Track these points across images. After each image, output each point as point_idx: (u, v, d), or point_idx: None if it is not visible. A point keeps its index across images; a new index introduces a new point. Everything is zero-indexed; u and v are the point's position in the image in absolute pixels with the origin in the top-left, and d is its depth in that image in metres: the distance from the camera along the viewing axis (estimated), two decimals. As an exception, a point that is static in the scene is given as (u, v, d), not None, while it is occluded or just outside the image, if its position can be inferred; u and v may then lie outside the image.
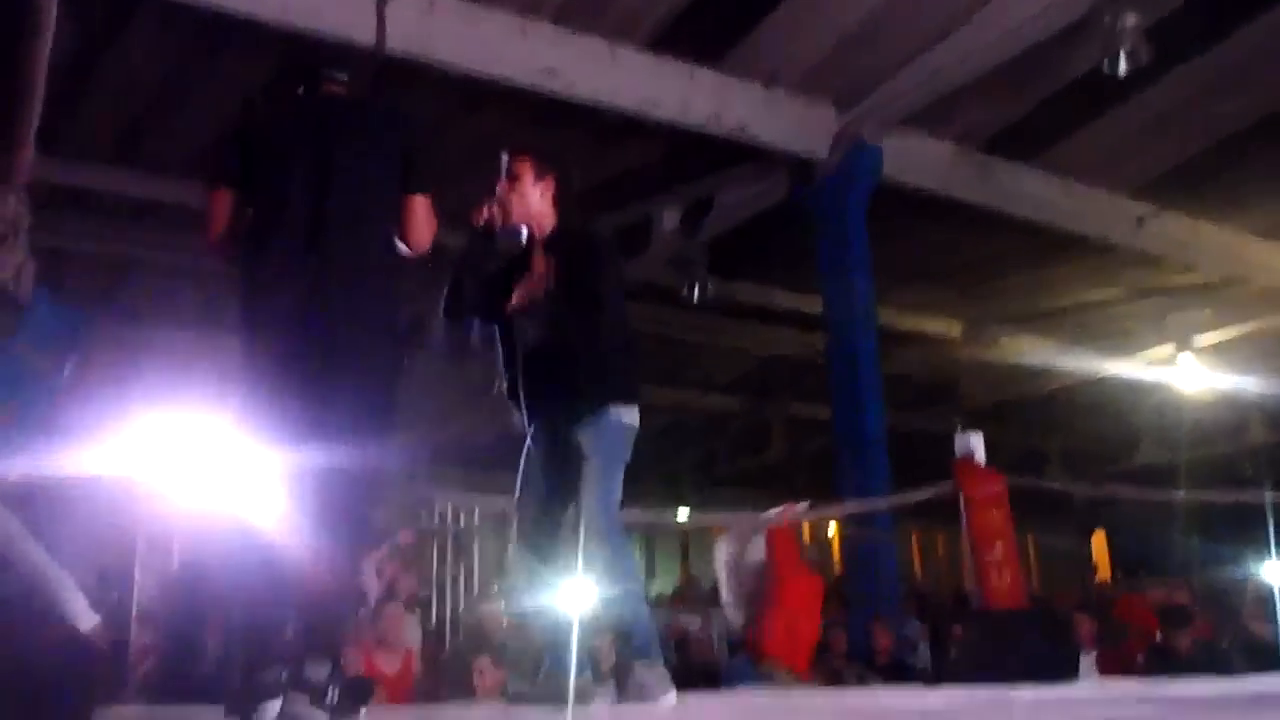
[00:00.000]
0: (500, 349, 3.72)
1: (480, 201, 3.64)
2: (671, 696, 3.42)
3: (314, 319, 2.99)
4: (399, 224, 3.19)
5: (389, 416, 3.12)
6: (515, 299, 3.61)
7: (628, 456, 3.59)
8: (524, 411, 3.67)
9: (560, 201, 3.69)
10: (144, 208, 9.46)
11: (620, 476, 3.56)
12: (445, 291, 3.71)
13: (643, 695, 3.37)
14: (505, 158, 3.70)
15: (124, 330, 10.31)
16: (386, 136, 3.22)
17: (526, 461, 3.70)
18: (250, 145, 3.20)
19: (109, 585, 5.61)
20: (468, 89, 7.55)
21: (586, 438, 3.51)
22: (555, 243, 3.66)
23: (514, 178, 3.66)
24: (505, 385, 3.71)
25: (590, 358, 3.54)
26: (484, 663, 5.73)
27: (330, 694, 2.80)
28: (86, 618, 3.77)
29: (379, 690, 5.11)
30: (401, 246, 3.20)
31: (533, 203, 3.65)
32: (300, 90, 3.31)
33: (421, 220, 3.19)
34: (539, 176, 3.66)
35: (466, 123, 8.10)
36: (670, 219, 9.74)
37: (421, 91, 7.89)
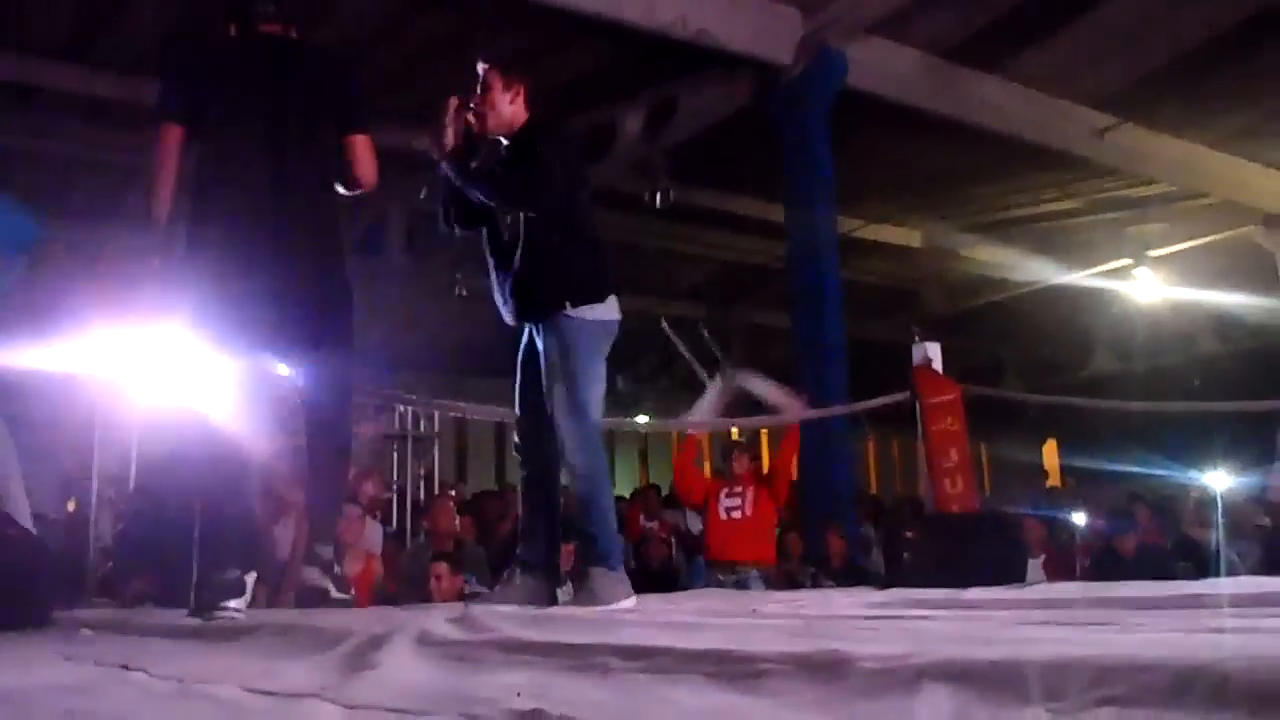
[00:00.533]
0: (487, 255, 3.76)
1: (450, 116, 3.66)
2: (630, 602, 3.46)
3: (276, 243, 3.20)
4: (343, 160, 3.39)
5: (349, 327, 3.40)
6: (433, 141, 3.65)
7: (601, 353, 3.61)
8: (507, 314, 3.72)
9: (533, 105, 3.73)
10: (96, 105, 9.22)
11: (592, 375, 3.57)
12: (440, 204, 3.79)
13: (598, 600, 3.40)
14: (481, 68, 3.72)
15: (76, 230, 10.13)
16: (325, 77, 3.44)
17: (519, 367, 3.76)
18: (196, 83, 3.33)
19: (70, 487, 5.59)
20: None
21: (551, 339, 3.55)
22: (521, 140, 3.69)
23: (485, 88, 3.69)
24: (495, 290, 3.75)
25: (547, 256, 3.56)
26: (441, 568, 5.79)
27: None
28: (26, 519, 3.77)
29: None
30: (345, 184, 3.42)
31: (504, 110, 3.68)
32: (233, 29, 3.43)
33: (365, 157, 3.42)
34: (508, 85, 3.69)
35: (425, 21, 7.93)
36: (633, 124, 9.63)
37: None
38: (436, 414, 8.13)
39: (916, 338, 6.76)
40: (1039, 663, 1.28)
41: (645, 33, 7.88)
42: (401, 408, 7.74)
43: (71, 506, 5.66)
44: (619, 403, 14.70)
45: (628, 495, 11.23)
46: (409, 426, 8.01)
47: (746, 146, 9.67)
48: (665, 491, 10.37)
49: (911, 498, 10.28)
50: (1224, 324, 15.34)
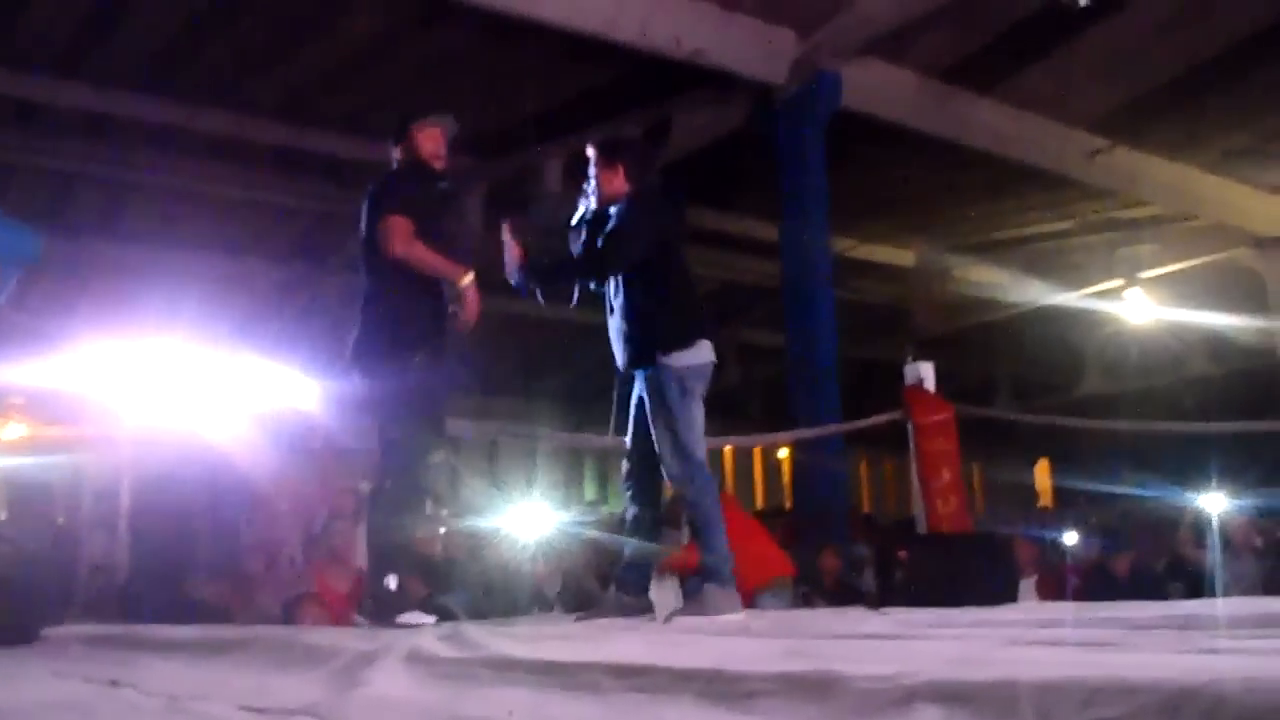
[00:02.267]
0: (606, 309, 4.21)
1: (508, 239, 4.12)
2: (739, 615, 3.79)
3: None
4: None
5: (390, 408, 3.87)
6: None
7: (695, 394, 3.94)
8: (619, 362, 4.09)
9: (634, 178, 4.11)
10: (93, 121, 9.23)
11: (691, 417, 3.92)
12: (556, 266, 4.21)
13: (707, 610, 3.72)
14: (590, 151, 4.17)
15: (72, 245, 10.15)
16: (373, 194, 4.00)
17: (618, 406, 4.16)
18: None
19: (56, 502, 5.57)
20: (424, 3, 7.41)
21: (649, 386, 3.94)
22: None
23: (593, 167, 4.15)
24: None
25: (638, 310, 3.96)
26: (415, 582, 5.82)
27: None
28: None
29: (324, 609, 5.15)
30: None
31: (606, 187, 4.08)
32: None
33: (383, 237, 3.80)
34: (609, 164, 4.10)
35: (423, 38, 7.95)
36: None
37: (376, 6, 7.75)
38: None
39: (910, 357, 6.78)
40: (1031, 683, 1.28)
41: (641, 52, 7.91)
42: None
43: (60, 521, 5.64)
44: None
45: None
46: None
47: (741, 166, 9.69)
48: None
49: (904, 517, 10.28)
50: (1215, 345, 15.37)
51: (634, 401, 4.09)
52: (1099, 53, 8.71)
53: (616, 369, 4.14)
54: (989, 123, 9.46)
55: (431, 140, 4.08)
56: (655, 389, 3.90)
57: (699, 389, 3.94)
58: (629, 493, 4.12)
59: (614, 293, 4.01)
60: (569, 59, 8.30)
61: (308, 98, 9.01)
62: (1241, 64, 8.70)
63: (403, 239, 3.76)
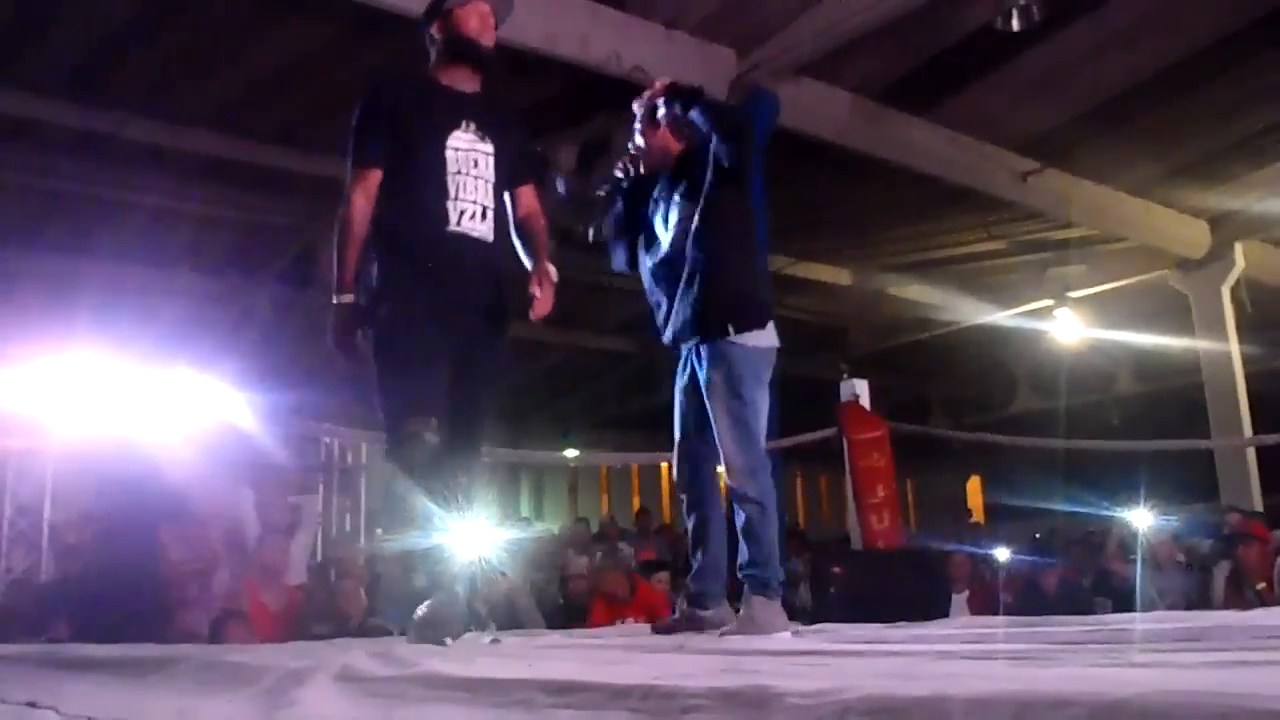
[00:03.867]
0: (646, 275, 3.82)
1: (628, 146, 3.92)
2: (787, 632, 3.41)
3: None
4: None
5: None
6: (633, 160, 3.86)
7: (764, 381, 3.56)
8: (666, 336, 3.70)
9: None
10: (84, 140, 9.06)
11: (757, 405, 3.52)
12: (607, 221, 3.99)
13: (759, 628, 3.35)
14: (644, 101, 3.90)
15: (49, 262, 10.00)
16: None
17: (678, 394, 3.72)
18: None
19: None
20: (361, 18, 7.35)
21: (717, 368, 3.50)
22: (679, 171, 3.78)
23: (654, 126, 3.86)
24: (656, 311, 3.76)
25: (716, 279, 3.53)
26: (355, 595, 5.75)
27: None
28: None
29: (251, 628, 5.07)
30: None
31: (670, 148, 3.83)
32: None
33: None
34: (679, 135, 3.83)
35: (358, 53, 7.89)
36: (566, 158, 9.64)
37: (311, 19, 7.67)
38: (364, 446, 8.02)
39: (844, 375, 6.84)
40: (962, 698, 1.29)
41: (580, 68, 7.91)
42: (328, 439, 7.63)
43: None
44: (551, 439, 14.60)
45: (556, 529, 11.19)
46: (335, 459, 7.90)
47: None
48: (595, 529, 10.36)
49: (839, 533, 10.35)
50: (1142, 364, 15.74)
51: (681, 386, 3.67)
52: (1030, 77, 8.88)
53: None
54: (923, 143, 9.59)
55: (477, 15, 3.55)
56: (726, 370, 3.47)
57: (768, 375, 3.56)
58: (686, 497, 3.70)
59: (690, 241, 3.57)
60: (508, 74, 8.28)
61: (241, 108, 8.89)
62: (1165, 91, 8.92)
63: (349, 197, 3.33)
